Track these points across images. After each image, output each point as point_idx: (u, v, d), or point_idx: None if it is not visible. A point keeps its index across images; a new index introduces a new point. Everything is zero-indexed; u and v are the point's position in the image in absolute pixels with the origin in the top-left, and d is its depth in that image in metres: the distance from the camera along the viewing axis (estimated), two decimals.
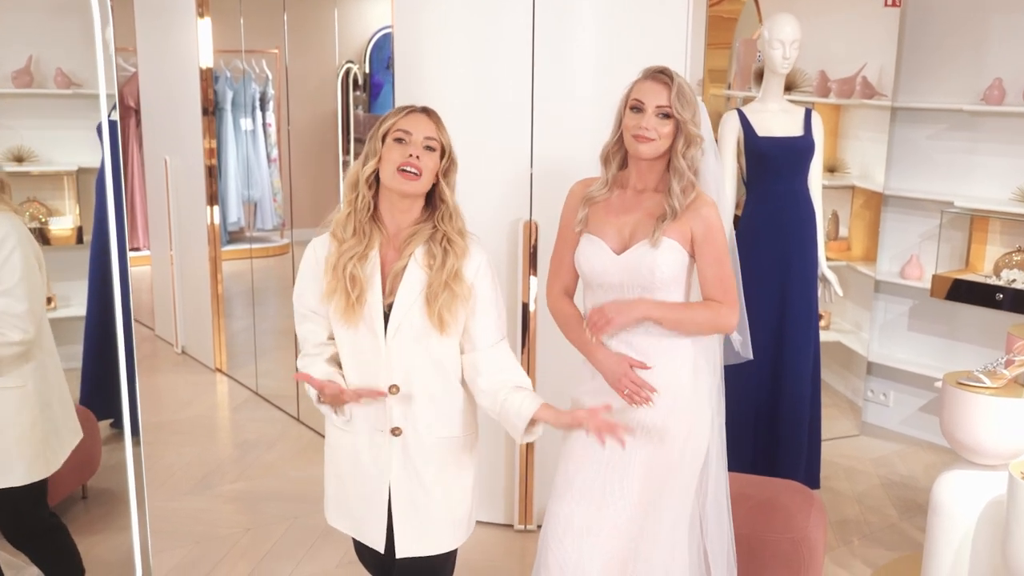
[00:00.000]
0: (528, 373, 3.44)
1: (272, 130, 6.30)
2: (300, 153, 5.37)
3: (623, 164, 2.32)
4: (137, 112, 5.99)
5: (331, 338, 2.17)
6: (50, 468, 2.57)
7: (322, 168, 5.93)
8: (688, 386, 2.30)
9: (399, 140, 2.04)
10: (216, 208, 5.45)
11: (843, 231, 4.75)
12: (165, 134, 5.73)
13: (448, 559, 2.27)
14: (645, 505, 2.31)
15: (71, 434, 2.69)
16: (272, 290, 5.54)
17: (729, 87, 5.09)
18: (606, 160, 2.31)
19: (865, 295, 4.64)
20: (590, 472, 2.32)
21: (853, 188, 4.69)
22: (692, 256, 2.27)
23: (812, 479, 3.85)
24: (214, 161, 5.41)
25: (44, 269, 2.51)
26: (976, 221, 4.20)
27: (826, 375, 3.93)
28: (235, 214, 6.10)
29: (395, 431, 2.12)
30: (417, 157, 2.02)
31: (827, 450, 4.02)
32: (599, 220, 2.31)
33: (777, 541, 2.86)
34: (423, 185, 2.05)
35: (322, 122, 5.86)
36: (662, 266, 2.22)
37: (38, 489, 2.56)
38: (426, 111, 2.10)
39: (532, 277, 3.45)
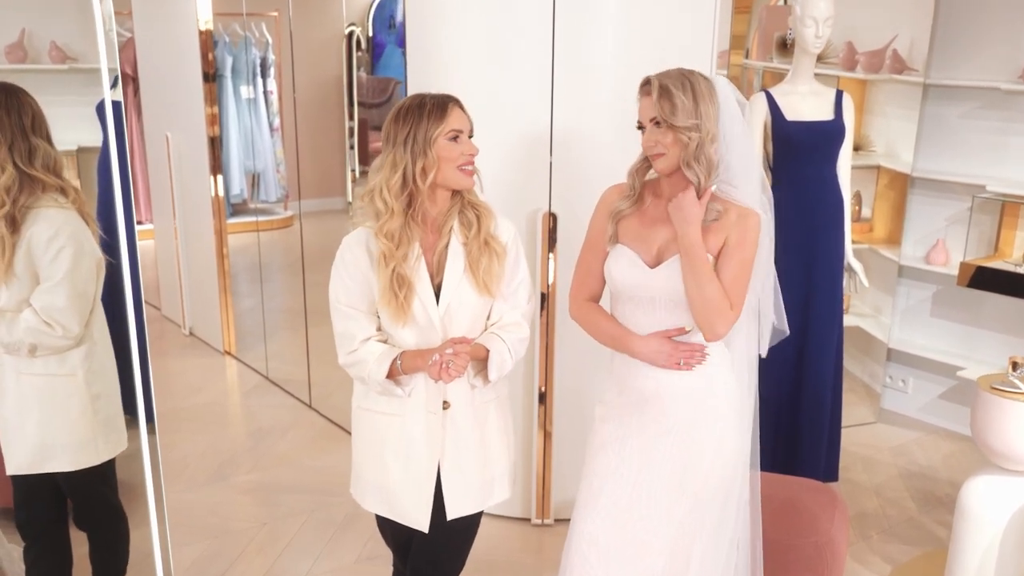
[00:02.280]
0: (546, 361, 3.42)
1: (274, 98, 6.14)
2: (304, 121, 5.23)
3: None
4: (135, 80, 5.81)
5: (378, 329, 2.22)
6: (101, 455, 2.59)
7: (327, 136, 5.79)
8: (719, 397, 2.22)
9: (454, 139, 2.11)
10: (220, 178, 5.30)
11: (866, 212, 4.62)
12: (165, 104, 5.56)
13: (469, 530, 2.33)
14: (676, 523, 2.23)
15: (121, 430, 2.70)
16: (278, 265, 5.44)
17: (747, 55, 4.92)
18: (632, 175, 2.23)
19: (887, 280, 4.53)
20: (616, 488, 2.25)
21: (878, 168, 4.55)
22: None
23: (831, 471, 3.80)
24: (217, 129, 5.26)
25: (102, 266, 2.52)
26: (1007, 206, 4.07)
27: (844, 360, 3.85)
28: (238, 186, 5.98)
29: (445, 404, 2.21)
30: (472, 154, 2.14)
31: (845, 438, 3.95)
32: (632, 230, 2.21)
33: (801, 546, 2.81)
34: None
35: (326, 88, 5.71)
36: None
37: (105, 471, 2.62)
38: (460, 103, 2.17)
39: (550, 256, 3.34)
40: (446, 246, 2.17)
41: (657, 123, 2.08)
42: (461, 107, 2.16)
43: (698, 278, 2.08)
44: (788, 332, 2.36)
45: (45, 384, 2.47)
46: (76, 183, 2.59)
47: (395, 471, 2.26)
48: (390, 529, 2.40)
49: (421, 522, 2.26)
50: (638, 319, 2.19)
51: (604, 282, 2.28)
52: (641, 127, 2.13)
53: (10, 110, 2.39)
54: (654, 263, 2.17)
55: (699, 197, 2.09)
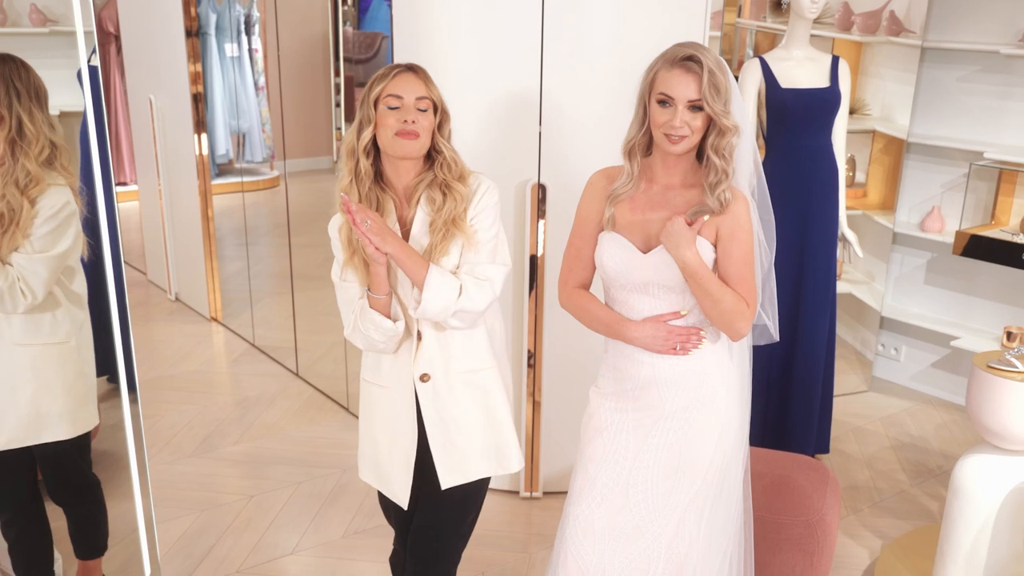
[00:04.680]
0: (535, 327, 3.37)
1: (259, 56, 6.01)
2: (289, 79, 5.11)
3: (647, 151, 2.13)
4: (117, 38, 5.66)
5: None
6: (91, 422, 2.59)
7: (314, 95, 5.68)
8: (716, 381, 2.17)
9: (392, 106, 2.05)
10: (204, 136, 5.19)
11: (860, 177, 4.55)
12: (148, 62, 5.42)
13: (470, 504, 2.28)
14: (675, 508, 2.20)
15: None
16: (264, 228, 5.37)
17: (739, 13, 4.80)
18: (631, 154, 2.12)
19: (881, 246, 4.47)
20: (612, 474, 2.22)
21: (873, 132, 4.47)
22: None
23: (822, 442, 3.79)
24: (200, 87, 5.13)
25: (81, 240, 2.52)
26: (1004, 174, 4.01)
27: (836, 328, 3.80)
28: (223, 146, 5.87)
29: (423, 377, 2.17)
30: (413, 121, 2.04)
31: (836, 408, 3.94)
32: (622, 217, 2.14)
33: (791, 524, 2.79)
34: (422, 146, 2.08)
35: (312, 44, 5.59)
36: None
37: (83, 442, 2.61)
38: (413, 69, 2.10)
39: (540, 222, 3.28)
40: (412, 217, 2.13)
41: (696, 106, 1.97)
42: (419, 76, 2.08)
43: (710, 296, 2.05)
44: (778, 338, 2.31)
45: (39, 353, 2.46)
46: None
47: (383, 444, 2.25)
48: (392, 506, 2.37)
49: (401, 497, 2.24)
50: (632, 305, 2.14)
51: (594, 269, 2.22)
52: (665, 102, 1.99)
53: (17, 79, 2.36)
54: (646, 248, 2.11)
55: (712, 188, 2.03)
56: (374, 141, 2.09)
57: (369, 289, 2.10)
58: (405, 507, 2.25)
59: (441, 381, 2.18)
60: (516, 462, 2.31)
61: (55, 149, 2.39)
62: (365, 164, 2.09)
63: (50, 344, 2.46)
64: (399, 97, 2.04)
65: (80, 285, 2.53)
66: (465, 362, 2.20)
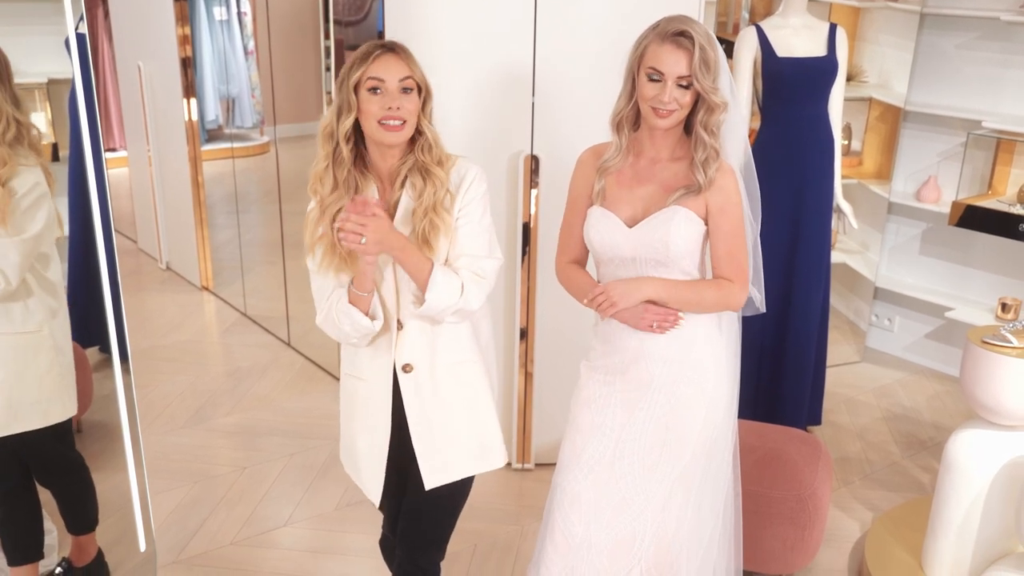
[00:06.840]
0: (527, 298, 3.36)
1: (248, 19, 5.91)
2: (279, 42, 5.02)
3: (635, 126, 2.11)
4: (105, 2, 5.56)
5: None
6: (67, 411, 2.56)
7: (303, 58, 5.58)
8: (705, 353, 2.17)
9: (373, 90, 1.94)
10: (193, 101, 5.11)
11: (855, 146, 4.51)
12: (136, 28, 5.33)
13: (458, 491, 2.25)
14: (662, 480, 2.20)
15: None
16: (254, 195, 5.31)
17: None
18: (619, 127, 2.10)
19: (876, 216, 4.44)
20: (599, 445, 2.22)
21: (870, 100, 4.41)
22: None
23: (814, 414, 3.79)
24: (189, 51, 5.05)
25: (55, 223, 2.46)
26: (1002, 143, 3.96)
27: (830, 298, 3.79)
28: (213, 111, 5.79)
29: (406, 368, 2.10)
30: (398, 107, 1.94)
31: (829, 378, 3.93)
32: (611, 192, 2.14)
33: (783, 498, 2.81)
34: (408, 132, 1.99)
35: (301, 8, 5.48)
36: (676, 239, 2.06)
37: (62, 428, 2.58)
38: (394, 49, 1.98)
39: (533, 192, 3.24)
40: (397, 201, 2.04)
41: (685, 83, 1.95)
42: (400, 56, 1.96)
43: (691, 303, 2.10)
44: (764, 310, 2.30)
45: (10, 343, 2.41)
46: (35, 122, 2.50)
47: (361, 440, 2.21)
48: (384, 497, 2.33)
49: (374, 494, 2.20)
50: (621, 279, 2.13)
51: (586, 246, 2.20)
52: (655, 77, 1.98)
53: None
54: (632, 223, 2.10)
55: (702, 165, 2.03)
56: (356, 125, 1.99)
57: (352, 283, 2.00)
58: (377, 504, 2.21)
59: (425, 372, 2.12)
60: (499, 457, 2.26)
61: (20, 127, 2.31)
62: (345, 150, 1.98)
63: (21, 333, 2.41)
64: (381, 80, 1.93)
65: (55, 272, 2.46)
66: (451, 353, 2.14)
